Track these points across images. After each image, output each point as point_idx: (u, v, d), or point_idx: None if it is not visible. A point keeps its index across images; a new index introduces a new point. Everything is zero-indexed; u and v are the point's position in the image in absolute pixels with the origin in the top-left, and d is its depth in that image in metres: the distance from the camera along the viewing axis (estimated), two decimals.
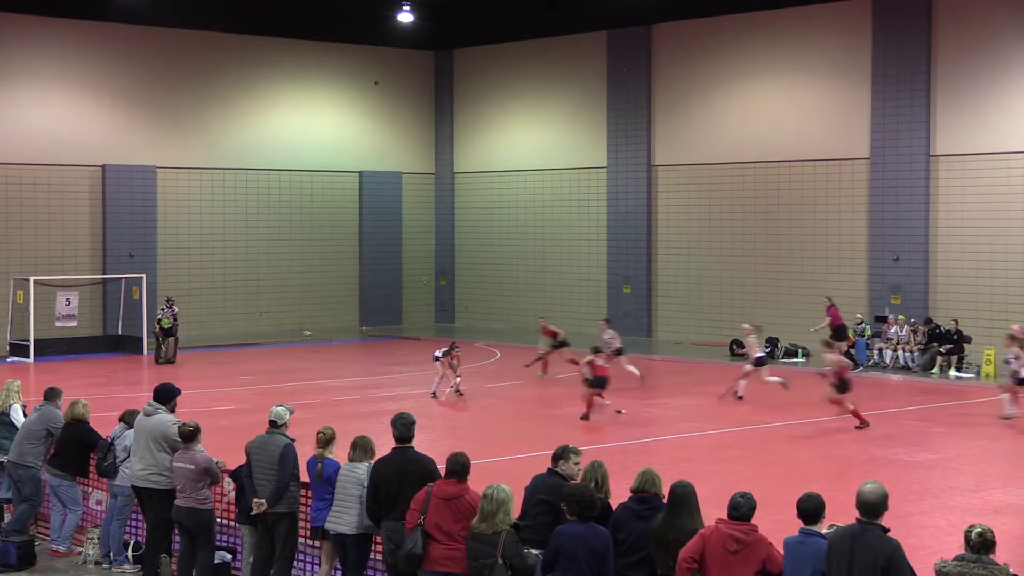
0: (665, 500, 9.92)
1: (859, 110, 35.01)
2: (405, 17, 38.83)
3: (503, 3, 39.12)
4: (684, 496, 9.76)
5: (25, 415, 15.74)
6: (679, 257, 39.47)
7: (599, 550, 9.51)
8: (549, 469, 10.93)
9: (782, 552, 9.17)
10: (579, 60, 41.91)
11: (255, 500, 12.35)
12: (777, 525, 10.25)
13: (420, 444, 12.11)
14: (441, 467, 11.28)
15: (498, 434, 22.80)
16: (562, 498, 10.08)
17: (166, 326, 33.20)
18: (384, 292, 44.42)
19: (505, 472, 16.65)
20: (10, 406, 16.00)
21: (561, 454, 10.93)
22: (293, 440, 12.60)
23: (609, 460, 11.18)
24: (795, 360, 33.89)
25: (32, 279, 34.88)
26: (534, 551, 10.16)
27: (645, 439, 22.11)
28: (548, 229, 42.96)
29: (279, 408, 12.75)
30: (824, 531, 9.15)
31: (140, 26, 38.94)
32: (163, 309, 33.84)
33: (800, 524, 9.23)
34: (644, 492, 10.06)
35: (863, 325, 33.46)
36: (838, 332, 31.88)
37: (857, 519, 8.66)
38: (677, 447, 21.51)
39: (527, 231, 43.59)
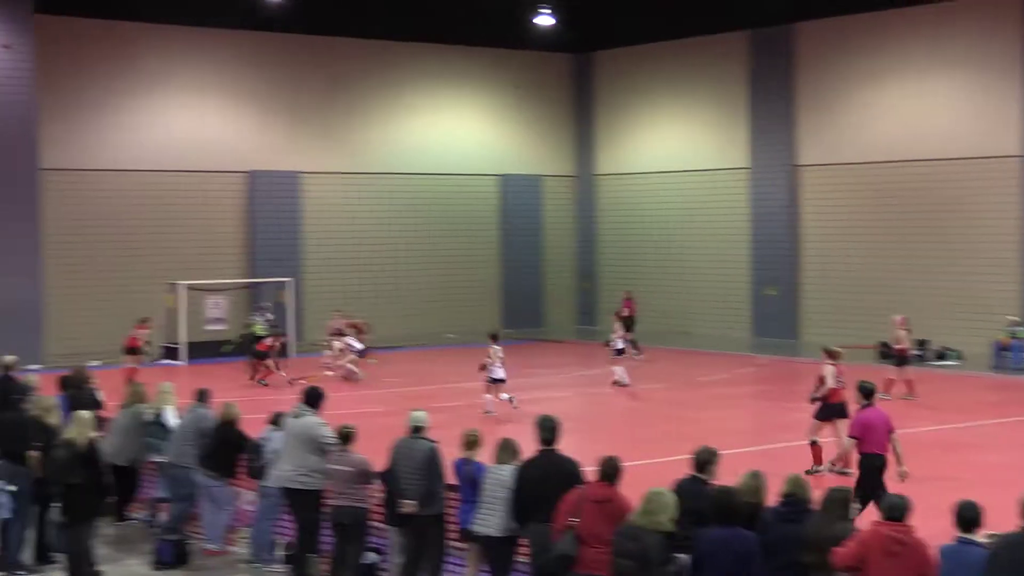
0: (814, 506, 9.77)
1: (1009, 106, 34.05)
2: (545, 20, 38.86)
3: (643, 5, 38.91)
4: (839, 500, 9.57)
5: (178, 417, 16.09)
6: (825, 258, 38.83)
7: (744, 554, 9.38)
8: (692, 475, 10.82)
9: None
10: (720, 60, 41.50)
11: (405, 502, 12.46)
12: (930, 532, 9.97)
13: (564, 446, 12.07)
14: (587, 470, 11.24)
15: (640, 437, 22.66)
16: (708, 504, 10.00)
17: (260, 333, 31.79)
18: (525, 295, 44.50)
19: (648, 476, 16.53)
20: (163, 408, 16.38)
21: (708, 459, 10.83)
22: (436, 443, 12.68)
23: (756, 465, 11.00)
24: (946, 363, 33.08)
25: (183, 284, 35.70)
26: (679, 556, 10.06)
27: (790, 443, 21.75)
28: (690, 231, 42.59)
29: (419, 412, 12.87)
30: (982, 539, 8.90)
31: (284, 34, 39.66)
32: (255, 317, 33.09)
33: (957, 532, 8.99)
34: (793, 496, 9.92)
35: (1018, 327, 32.45)
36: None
37: (1022, 527, 8.39)
38: (826, 451, 21.08)
39: (668, 233, 43.28)
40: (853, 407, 16.46)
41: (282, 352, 32.50)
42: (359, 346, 31.55)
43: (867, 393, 15.59)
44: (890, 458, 15.15)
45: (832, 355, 19.90)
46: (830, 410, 19.21)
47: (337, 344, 31.47)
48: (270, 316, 33.56)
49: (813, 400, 19.78)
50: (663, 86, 43.48)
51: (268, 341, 30.92)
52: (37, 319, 34.42)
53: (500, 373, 25.20)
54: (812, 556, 9.45)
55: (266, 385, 29.58)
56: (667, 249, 43.30)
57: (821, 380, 19.71)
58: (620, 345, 29.42)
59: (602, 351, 35.69)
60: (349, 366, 30.70)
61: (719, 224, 41.66)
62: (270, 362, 30.55)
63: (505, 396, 25.09)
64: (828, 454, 18.97)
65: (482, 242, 44.28)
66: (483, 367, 25.45)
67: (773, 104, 39.68)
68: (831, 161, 38.55)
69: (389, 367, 33.44)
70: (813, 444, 19.09)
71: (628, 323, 33.94)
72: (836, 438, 19.01)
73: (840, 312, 38.13)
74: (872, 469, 14.88)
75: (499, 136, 44.68)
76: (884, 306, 36.18)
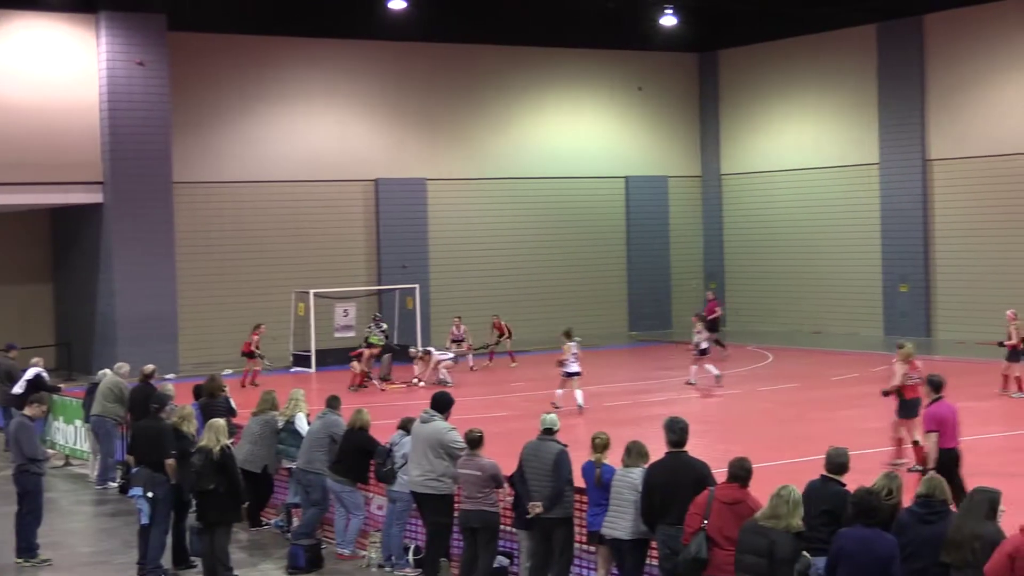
0: (954, 507, 9.56)
1: None
2: (668, 20, 38.65)
3: (768, 2, 38.49)
4: (984, 501, 9.32)
5: (309, 423, 16.30)
6: (959, 253, 37.98)
7: (884, 557, 9.21)
8: (823, 476, 10.66)
9: None
10: (847, 55, 40.85)
11: (531, 504, 12.46)
12: None
13: (693, 448, 11.96)
14: (716, 472, 11.13)
15: (771, 438, 22.37)
16: (843, 506, 9.95)
17: (376, 343, 32.06)
18: (652, 297, 44.25)
19: (779, 477, 16.30)
20: (295, 415, 16.60)
21: (841, 460, 10.66)
22: (566, 446, 12.66)
23: (886, 466, 10.79)
24: None
25: (312, 292, 36.21)
26: (807, 555, 9.97)
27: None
28: (818, 228, 41.99)
29: (551, 415, 12.90)
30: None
31: (407, 42, 40.01)
32: (370, 327, 33.07)
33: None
34: (931, 497, 9.70)
35: None
36: None
37: None
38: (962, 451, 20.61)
39: (797, 231, 42.72)
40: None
41: (391, 358, 32.81)
42: (450, 355, 32.08)
43: (936, 386, 15.60)
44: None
45: (903, 352, 19.59)
46: (907, 407, 18.91)
47: (435, 353, 31.65)
48: (384, 326, 33.78)
49: (885, 394, 19.67)
50: (789, 83, 42.95)
51: (361, 348, 31.29)
52: (173, 329, 35.18)
53: (575, 368, 25.87)
54: (953, 556, 9.23)
55: (359, 390, 29.80)
56: (795, 248, 42.74)
57: (894, 376, 19.59)
58: (704, 345, 29.63)
59: (735, 352, 35.45)
60: (443, 372, 30.81)
61: (848, 221, 41.00)
62: (355, 365, 30.73)
63: (579, 393, 25.80)
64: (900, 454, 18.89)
65: (608, 244, 44.16)
66: (560, 363, 26.19)
67: (902, 98, 38.94)
68: (964, 155, 37.71)
69: (516, 371, 33.55)
70: (914, 444, 18.70)
71: (712, 324, 34.40)
72: (907, 435, 18.92)
73: (973, 309, 37.23)
74: (948, 463, 14.77)
75: (624, 138, 44.54)
76: (1019, 302, 35.24)
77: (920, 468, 17.06)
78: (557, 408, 24.62)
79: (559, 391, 26.02)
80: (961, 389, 27.89)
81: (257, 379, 31.45)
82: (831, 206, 41.57)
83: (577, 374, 25.92)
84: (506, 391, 29.79)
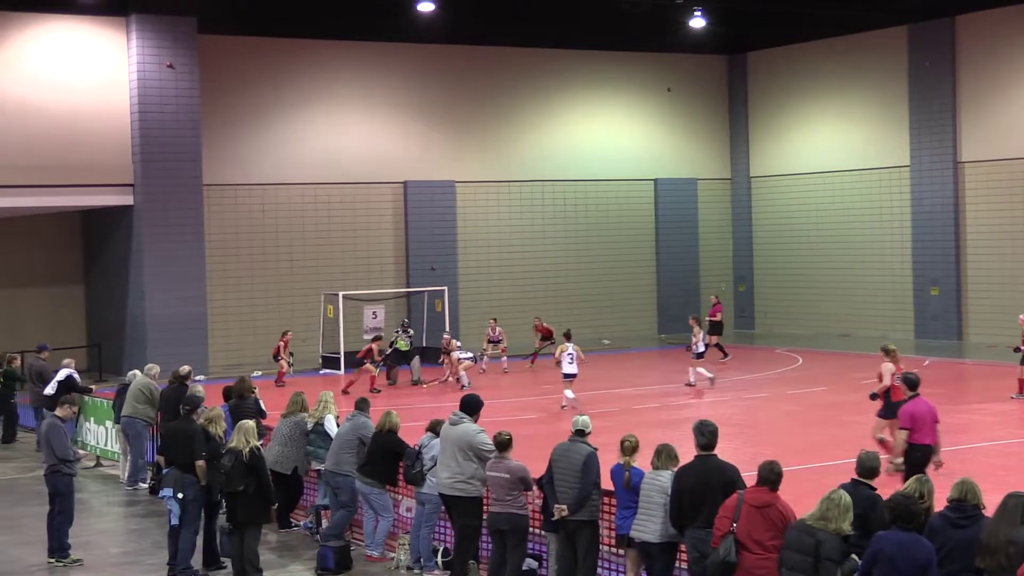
0: (986, 511, 9.49)
1: None
2: (697, 23, 38.58)
3: (797, 3, 38.38)
4: (1018, 506, 9.25)
5: (338, 425, 16.32)
6: (991, 256, 37.76)
7: (923, 562, 9.16)
8: (854, 480, 10.61)
9: None
10: (877, 57, 40.68)
11: (556, 506, 12.45)
12: None
13: (722, 451, 11.93)
14: (746, 475, 11.09)
15: (800, 442, 22.30)
16: (873, 509, 9.98)
17: (403, 349, 32.45)
18: (681, 299, 44.14)
19: (809, 481, 16.26)
20: (324, 417, 16.63)
21: (872, 464, 10.60)
22: (596, 448, 12.64)
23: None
24: None
25: (341, 294, 36.28)
26: (856, 558, 9.92)
27: (958, 447, 21.18)
28: (849, 231, 41.83)
29: (583, 416, 12.88)
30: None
31: (435, 45, 40.09)
32: (398, 332, 33.29)
33: None
34: (963, 501, 9.64)
35: None
36: None
37: None
38: (994, 455, 20.52)
39: (827, 234, 42.57)
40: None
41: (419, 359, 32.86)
42: (468, 355, 32.31)
43: (912, 384, 16.03)
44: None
45: (889, 353, 19.68)
46: (891, 408, 18.76)
47: (455, 355, 31.63)
48: (411, 331, 33.93)
49: (873, 397, 19.75)
50: (819, 85, 42.80)
51: (370, 347, 31.12)
52: (203, 331, 35.32)
53: (572, 369, 26.40)
54: (987, 562, 9.17)
55: (378, 392, 29.71)
56: (825, 251, 42.59)
57: (880, 378, 19.59)
58: (701, 348, 30.03)
59: (764, 355, 35.36)
60: (461, 374, 30.84)
61: (878, 224, 40.84)
62: (369, 366, 30.68)
63: (569, 392, 26.40)
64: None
65: (637, 247, 44.11)
66: (558, 363, 26.81)
67: (934, 100, 38.76)
68: (996, 157, 37.51)
69: (544, 374, 33.49)
70: (880, 442, 18.80)
71: (716, 327, 35.75)
72: (888, 434, 18.90)
73: (1005, 312, 36.97)
74: (920, 459, 15.25)
75: (653, 140, 44.49)
76: None
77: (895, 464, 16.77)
78: (564, 408, 25.85)
79: (567, 392, 26.60)
80: (990, 392, 27.87)
81: (284, 380, 31.90)
82: (861, 209, 41.39)
83: (573, 376, 26.48)
84: (537, 393, 29.72)
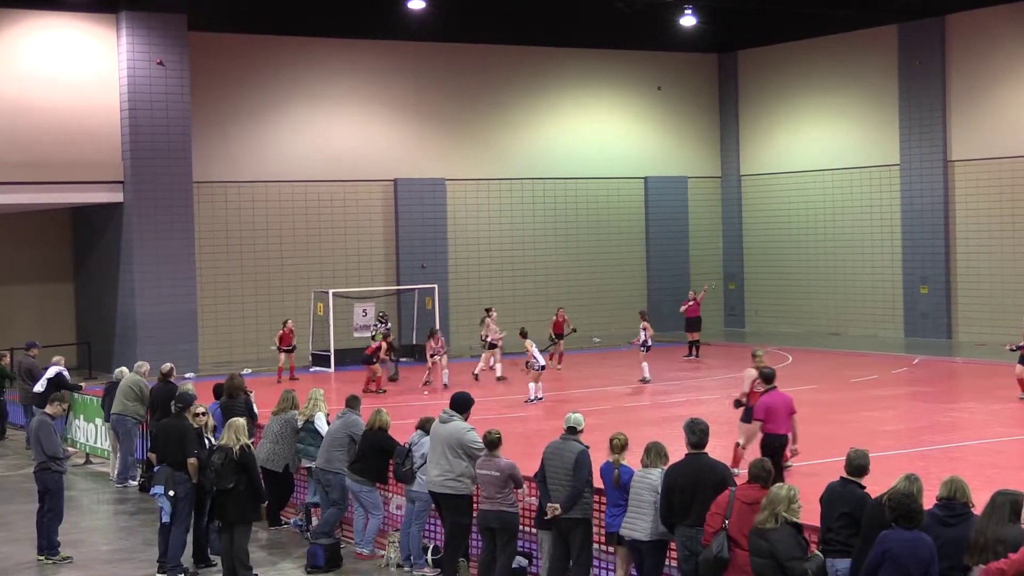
0: (975, 509, 9.52)
1: None
2: (687, 21, 38.60)
3: (788, 2, 38.42)
4: (1006, 504, 9.28)
5: (328, 422, 16.33)
6: (980, 255, 37.84)
7: (926, 560, 9.21)
8: (843, 478, 10.65)
9: None
10: (868, 55, 40.74)
11: (549, 504, 12.47)
12: None
13: (713, 450, 11.95)
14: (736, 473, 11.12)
15: None
16: (862, 508, 10.04)
17: (377, 339, 31.61)
18: (671, 297, 44.10)
19: (799, 478, 16.31)
20: (315, 414, 16.63)
21: (861, 462, 10.63)
22: (587, 447, 12.66)
23: (910, 467, 10.77)
24: None
25: (331, 291, 36.26)
26: (819, 553, 10.16)
27: (948, 444, 21.25)
28: (838, 230, 41.89)
29: (576, 414, 12.88)
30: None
31: (425, 43, 40.06)
32: (376, 325, 33.28)
33: None
34: (951, 499, 9.67)
35: None
36: None
37: None
38: (984, 453, 20.58)
39: (817, 232, 42.63)
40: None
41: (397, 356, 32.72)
42: (541, 362, 31.99)
43: (768, 378, 17.07)
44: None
45: (755, 358, 19.15)
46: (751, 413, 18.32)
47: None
48: (389, 324, 34.11)
49: (737, 405, 19.29)
50: (809, 83, 42.85)
51: (374, 345, 30.75)
52: (193, 328, 35.27)
53: (542, 361, 27.68)
54: (976, 560, 9.21)
55: (384, 392, 29.66)
56: (815, 249, 42.65)
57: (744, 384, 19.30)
58: (649, 343, 30.75)
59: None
60: (444, 372, 30.86)
61: (868, 222, 40.90)
62: (377, 366, 30.54)
63: (533, 385, 27.28)
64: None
65: (627, 245, 44.14)
66: (527, 364, 27.60)
67: (924, 98, 38.82)
68: (986, 156, 37.58)
69: (546, 373, 33.44)
70: (739, 446, 18.43)
71: (694, 324, 36.36)
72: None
73: (994, 311, 37.13)
74: (773, 448, 16.09)
75: (643, 138, 44.50)
76: None
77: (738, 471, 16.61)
78: (537, 401, 26.86)
79: (532, 384, 27.42)
80: (982, 391, 27.92)
81: (294, 372, 32.65)
82: (851, 207, 41.46)
83: (543, 367, 27.63)
84: (526, 392, 29.68)
